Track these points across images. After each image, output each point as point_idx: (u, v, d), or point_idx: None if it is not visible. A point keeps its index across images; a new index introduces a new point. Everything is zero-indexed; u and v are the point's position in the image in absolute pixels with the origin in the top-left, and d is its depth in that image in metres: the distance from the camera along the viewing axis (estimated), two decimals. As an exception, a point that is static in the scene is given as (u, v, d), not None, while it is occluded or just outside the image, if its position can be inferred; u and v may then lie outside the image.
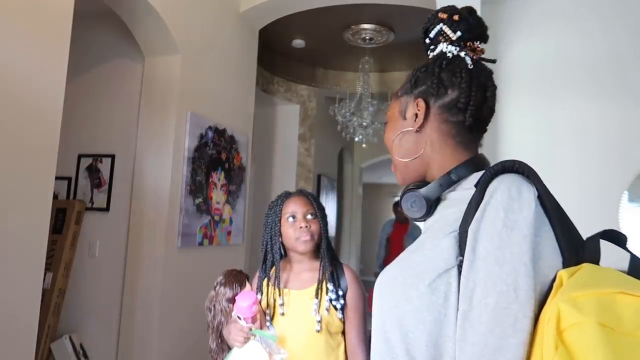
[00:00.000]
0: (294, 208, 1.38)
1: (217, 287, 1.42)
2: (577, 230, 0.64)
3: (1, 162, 1.75)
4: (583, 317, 0.50)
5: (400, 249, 4.58)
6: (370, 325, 1.04)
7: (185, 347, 2.92)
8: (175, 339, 2.86)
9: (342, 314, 1.33)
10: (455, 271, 0.63)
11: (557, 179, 2.51)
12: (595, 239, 0.62)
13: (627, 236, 0.62)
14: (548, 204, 0.63)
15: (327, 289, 1.33)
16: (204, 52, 3.12)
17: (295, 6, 3.55)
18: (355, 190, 7.45)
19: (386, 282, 0.70)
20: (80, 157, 3.08)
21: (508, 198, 0.61)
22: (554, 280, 0.58)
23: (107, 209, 2.98)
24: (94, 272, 2.97)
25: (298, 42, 4.57)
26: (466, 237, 0.63)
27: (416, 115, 0.77)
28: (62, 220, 2.95)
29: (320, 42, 4.60)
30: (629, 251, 0.62)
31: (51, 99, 1.95)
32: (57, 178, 2.02)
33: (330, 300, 1.32)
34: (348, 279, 1.36)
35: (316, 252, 1.40)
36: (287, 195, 1.43)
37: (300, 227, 1.35)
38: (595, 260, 0.61)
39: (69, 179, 3.10)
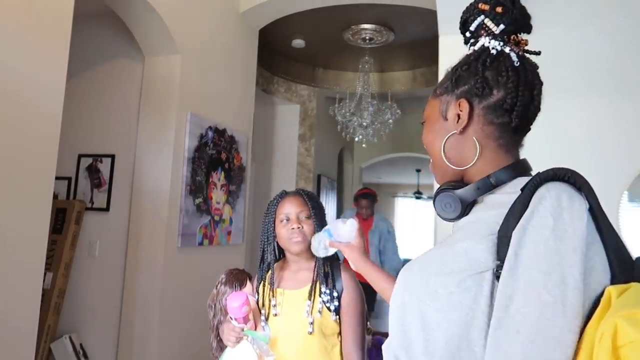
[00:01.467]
0: (288, 209, 1.37)
1: (219, 285, 1.43)
2: (626, 248, 0.61)
3: (1, 162, 1.75)
4: None
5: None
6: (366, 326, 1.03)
7: (185, 346, 2.92)
8: (175, 339, 2.86)
9: (337, 315, 1.33)
10: (489, 274, 0.61)
11: (557, 179, 2.50)
12: None
13: None
14: (600, 219, 0.60)
15: (320, 291, 1.32)
16: (204, 52, 3.12)
17: (295, 6, 3.55)
18: (355, 190, 7.45)
19: (412, 276, 0.68)
20: (80, 157, 3.08)
21: (558, 206, 0.58)
22: (600, 295, 0.56)
23: (107, 209, 2.98)
24: (94, 272, 2.97)
25: (298, 42, 4.57)
26: (506, 241, 0.60)
27: (458, 116, 0.73)
28: (62, 220, 2.95)
29: (320, 42, 4.60)
30: None
31: (51, 99, 1.95)
32: (57, 178, 2.02)
33: (324, 302, 1.31)
34: (344, 280, 1.36)
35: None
36: (282, 196, 1.42)
37: (292, 229, 1.35)
38: None
39: (69, 179, 3.10)
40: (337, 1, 3.46)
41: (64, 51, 2.01)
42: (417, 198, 10.18)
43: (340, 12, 3.78)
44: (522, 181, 0.67)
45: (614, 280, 0.58)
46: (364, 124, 4.73)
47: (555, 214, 0.57)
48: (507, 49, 0.72)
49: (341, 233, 1.17)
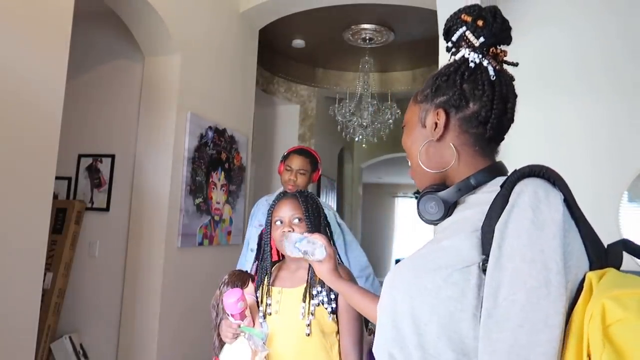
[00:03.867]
0: (282, 213, 1.39)
1: (221, 286, 1.44)
2: (598, 237, 0.66)
3: (1, 162, 1.75)
4: (628, 314, 0.51)
5: None
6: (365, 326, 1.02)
7: (185, 346, 2.92)
8: (175, 339, 2.86)
9: (335, 314, 1.33)
10: (475, 268, 0.63)
11: (557, 179, 2.50)
12: (618, 245, 0.64)
13: None
14: (575, 210, 0.64)
15: (313, 294, 1.33)
16: (204, 52, 3.12)
17: (295, 6, 3.55)
18: (355, 190, 7.45)
19: (401, 274, 0.71)
20: (80, 157, 3.08)
21: (535, 199, 0.61)
22: (582, 281, 0.59)
23: (107, 209, 2.98)
24: (94, 272, 2.97)
25: (298, 42, 4.57)
26: (489, 236, 0.63)
27: (436, 124, 0.77)
28: (62, 220, 2.95)
29: (320, 42, 4.60)
30: None
31: (51, 99, 1.95)
32: (57, 178, 2.02)
33: (321, 302, 1.32)
34: None
35: None
36: (279, 198, 1.44)
37: (284, 232, 1.36)
38: (618, 266, 0.62)
39: (69, 179, 3.10)
40: (337, 1, 3.46)
41: (64, 51, 2.01)
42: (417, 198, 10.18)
43: (340, 12, 3.78)
44: (500, 181, 0.71)
45: (592, 266, 0.62)
46: (364, 124, 4.73)
47: (533, 206, 0.61)
48: (485, 62, 0.76)
49: (313, 250, 1.18)
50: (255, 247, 2.20)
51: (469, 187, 0.75)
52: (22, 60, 1.83)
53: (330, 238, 1.46)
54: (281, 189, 2.26)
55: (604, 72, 2.50)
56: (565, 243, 0.59)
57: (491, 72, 0.75)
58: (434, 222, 0.78)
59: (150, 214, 2.81)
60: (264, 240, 1.44)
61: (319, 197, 5.45)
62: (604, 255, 0.63)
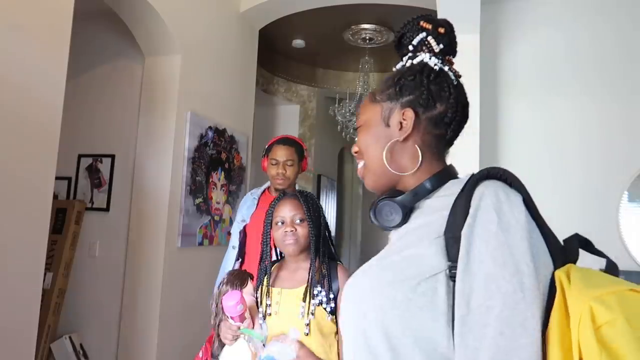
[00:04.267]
0: (283, 213, 1.40)
1: (221, 286, 1.44)
2: (554, 234, 0.66)
3: (1, 162, 1.75)
4: (614, 315, 0.52)
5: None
6: None
7: (185, 346, 2.92)
8: (175, 339, 2.86)
9: (334, 315, 1.33)
10: (442, 276, 0.62)
11: (557, 179, 2.51)
12: (574, 240, 0.65)
13: (591, 241, 0.67)
14: (533, 210, 0.65)
15: (313, 294, 1.33)
16: (204, 52, 3.12)
17: (295, 6, 3.55)
18: (355, 190, 7.45)
19: (368, 285, 0.68)
20: (80, 157, 3.08)
21: (497, 201, 0.62)
22: (550, 280, 0.60)
23: (107, 209, 2.98)
24: (94, 272, 2.97)
25: (298, 42, 4.57)
26: (453, 242, 0.62)
27: (401, 124, 0.76)
28: (62, 220, 2.95)
29: (320, 42, 4.60)
30: (603, 255, 0.64)
31: (51, 99, 1.95)
32: (57, 178, 2.02)
33: (320, 302, 1.32)
34: (340, 281, 1.37)
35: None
36: (280, 198, 1.44)
37: (285, 232, 1.36)
38: (574, 261, 0.64)
39: (69, 179, 3.10)
40: (337, 1, 3.46)
41: (64, 51, 2.01)
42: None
43: (340, 12, 3.78)
44: (453, 184, 0.72)
45: (556, 264, 0.62)
46: (364, 124, 4.72)
47: (497, 208, 0.61)
48: (445, 68, 0.78)
49: (286, 351, 1.12)
50: (237, 244, 2.18)
51: (425, 192, 0.74)
52: (22, 60, 1.83)
53: (329, 238, 1.46)
54: (267, 184, 2.14)
55: (611, 71, 2.52)
56: (531, 244, 0.60)
57: (452, 77, 0.77)
58: (391, 228, 0.76)
59: (150, 214, 2.81)
60: (264, 240, 1.44)
61: (319, 197, 5.46)
62: (562, 252, 0.64)
